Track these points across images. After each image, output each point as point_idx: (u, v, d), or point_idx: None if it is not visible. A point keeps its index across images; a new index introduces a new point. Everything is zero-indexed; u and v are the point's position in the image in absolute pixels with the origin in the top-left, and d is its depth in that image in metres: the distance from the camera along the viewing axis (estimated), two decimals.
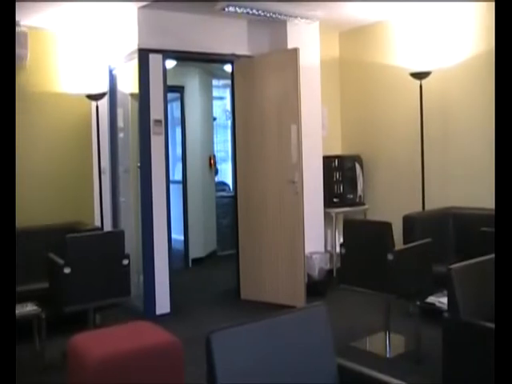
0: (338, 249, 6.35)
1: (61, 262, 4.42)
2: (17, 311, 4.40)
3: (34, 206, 6.01)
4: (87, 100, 6.05)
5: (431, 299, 4.06)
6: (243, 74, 6.20)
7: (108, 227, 6.23)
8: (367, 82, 6.92)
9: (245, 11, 5.65)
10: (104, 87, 6.19)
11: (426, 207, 5.90)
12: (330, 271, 6.58)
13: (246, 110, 6.19)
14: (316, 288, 6.07)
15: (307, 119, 5.99)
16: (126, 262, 4.64)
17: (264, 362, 2.15)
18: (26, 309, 4.46)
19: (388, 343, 4.62)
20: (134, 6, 5.50)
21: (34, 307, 4.49)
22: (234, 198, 6.46)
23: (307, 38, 6.32)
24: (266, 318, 2.29)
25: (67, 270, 4.35)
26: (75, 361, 3.36)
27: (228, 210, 8.57)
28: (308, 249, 5.99)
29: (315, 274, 6.19)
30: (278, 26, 6.20)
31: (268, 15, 5.84)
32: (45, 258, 4.77)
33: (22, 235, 5.63)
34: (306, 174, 5.88)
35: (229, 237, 8.04)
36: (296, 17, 6.01)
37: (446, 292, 3.21)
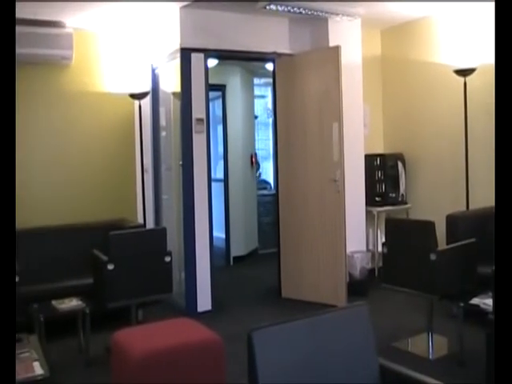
0: (379, 248, 6.29)
1: (104, 258, 4.49)
2: (63, 305, 4.51)
3: (79, 204, 6.14)
4: (130, 99, 6.13)
5: (475, 301, 3.99)
6: (284, 72, 6.19)
7: (150, 224, 6.31)
8: (410, 79, 6.84)
9: (286, 9, 5.64)
10: (147, 86, 6.26)
11: (470, 206, 5.80)
12: (372, 270, 6.53)
13: (287, 108, 6.18)
14: (357, 287, 6.03)
15: (349, 117, 5.95)
16: (168, 259, 4.69)
17: (305, 360, 2.15)
18: (71, 304, 4.57)
19: (430, 344, 4.56)
20: (176, 5, 5.55)
21: (79, 302, 4.59)
22: (276, 196, 6.47)
23: (349, 36, 6.27)
24: (307, 316, 2.29)
25: (110, 267, 4.42)
26: (118, 356, 3.42)
27: (269, 208, 8.59)
28: (349, 248, 5.96)
29: (357, 273, 6.15)
30: (319, 23, 6.17)
31: (309, 13, 5.82)
32: (89, 254, 4.86)
33: (68, 232, 5.78)
34: (348, 173, 5.84)
35: (270, 235, 8.04)
36: (338, 14, 5.97)
37: (490, 294, 3.14)
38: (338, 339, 2.27)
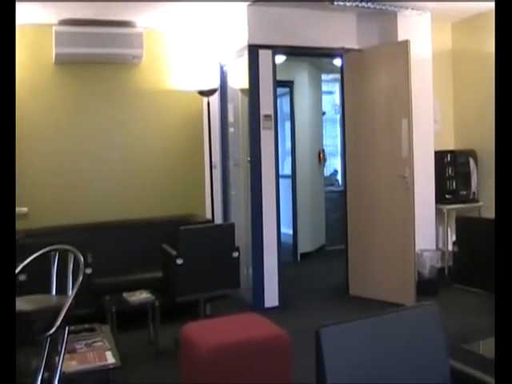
0: (450, 247, 6.15)
1: (174, 252, 4.58)
2: (133, 298, 4.64)
3: (149, 199, 6.28)
4: (199, 96, 6.22)
5: None
6: (353, 67, 6.14)
7: (218, 220, 6.39)
8: (483, 73, 6.62)
9: (354, 4, 5.57)
10: (215, 83, 6.33)
11: None
12: (442, 270, 6.38)
13: (355, 104, 6.13)
14: (426, 287, 5.90)
15: (418, 113, 5.84)
16: (235, 254, 4.74)
17: (373, 360, 2.13)
18: (141, 296, 4.69)
19: None
20: (244, 3, 5.59)
21: (149, 295, 4.70)
22: (343, 192, 6.42)
23: (418, 30, 6.14)
24: (375, 315, 2.27)
25: (179, 261, 4.51)
26: (187, 349, 3.48)
27: (337, 204, 8.53)
28: (419, 246, 5.85)
29: (426, 272, 6.03)
30: (387, 18, 6.07)
31: (378, 7, 5.74)
32: (159, 248, 4.97)
33: (139, 227, 5.94)
34: (417, 169, 5.74)
35: (338, 232, 7.98)
36: (407, 8, 5.87)
37: None
38: (407, 339, 2.24)
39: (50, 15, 5.64)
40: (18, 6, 5.25)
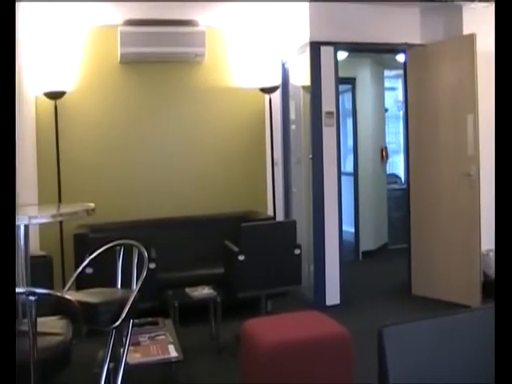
0: None
1: (236, 249, 4.62)
2: (195, 293, 4.71)
3: (211, 196, 6.36)
4: (261, 93, 6.25)
5: None
6: (416, 63, 6.02)
7: (280, 217, 6.40)
8: None
9: None
10: (277, 80, 6.35)
11: None
12: None
13: (419, 100, 6.01)
14: (493, 288, 5.74)
15: (485, 109, 5.66)
16: (297, 251, 4.74)
17: (437, 361, 2.09)
18: (203, 292, 4.75)
19: None
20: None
21: (211, 291, 4.76)
22: (407, 190, 6.31)
23: (485, 23, 5.96)
24: (440, 315, 2.22)
25: (241, 257, 4.55)
26: (248, 345, 3.50)
27: (400, 202, 8.39)
28: (485, 246, 5.69)
29: (492, 272, 5.87)
30: (452, 11, 5.92)
31: (442, 1, 5.61)
32: (221, 244, 5.02)
33: (201, 223, 6.02)
34: (483, 167, 5.57)
35: (400, 230, 7.85)
36: (473, 1, 5.71)
37: None
38: (472, 341, 2.18)
39: (116, 16, 5.79)
40: (87, 9, 5.44)
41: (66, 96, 5.73)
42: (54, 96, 5.67)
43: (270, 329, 3.49)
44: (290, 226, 4.86)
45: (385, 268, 7.48)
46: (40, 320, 2.21)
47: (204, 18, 6.04)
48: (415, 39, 6.01)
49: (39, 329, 2.19)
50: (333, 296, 5.74)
